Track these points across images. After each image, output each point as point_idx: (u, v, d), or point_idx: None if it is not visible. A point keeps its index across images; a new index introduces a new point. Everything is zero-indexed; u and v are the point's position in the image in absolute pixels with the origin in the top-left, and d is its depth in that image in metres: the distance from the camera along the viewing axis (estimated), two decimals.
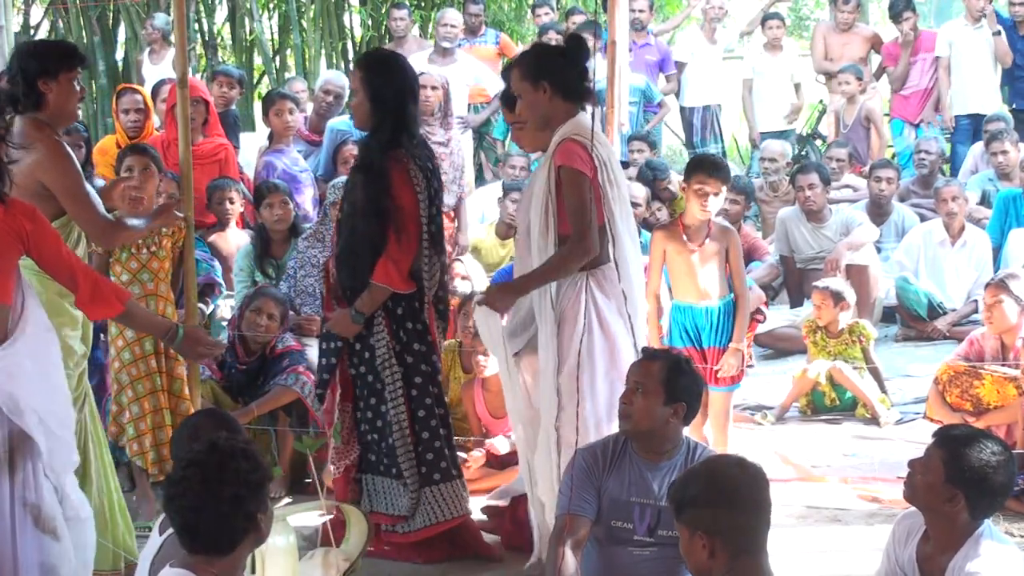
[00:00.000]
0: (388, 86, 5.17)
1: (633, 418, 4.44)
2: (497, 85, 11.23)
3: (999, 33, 10.98)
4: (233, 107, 9.46)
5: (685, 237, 5.96)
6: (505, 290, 5.01)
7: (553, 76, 4.91)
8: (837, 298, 7.56)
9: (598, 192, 4.87)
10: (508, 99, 5.23)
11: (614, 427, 4.79)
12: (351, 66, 4.50)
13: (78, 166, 5.00)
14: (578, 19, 11.47)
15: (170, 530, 3.66)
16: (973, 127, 11.16)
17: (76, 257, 4.44)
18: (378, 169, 5.09)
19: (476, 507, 5.67)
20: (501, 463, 6.29)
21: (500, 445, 6.31)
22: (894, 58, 11.51)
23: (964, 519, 3.74)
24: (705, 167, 5.94)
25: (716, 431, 6.10)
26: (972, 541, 3.73)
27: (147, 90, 8.54)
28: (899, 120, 11.64)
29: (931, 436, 3.89)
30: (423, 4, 13.53)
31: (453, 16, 11.30)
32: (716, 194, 5.86)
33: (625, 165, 9.82)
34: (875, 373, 7.49)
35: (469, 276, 7.38)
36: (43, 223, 4.25)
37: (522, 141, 5.34)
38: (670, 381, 4.43)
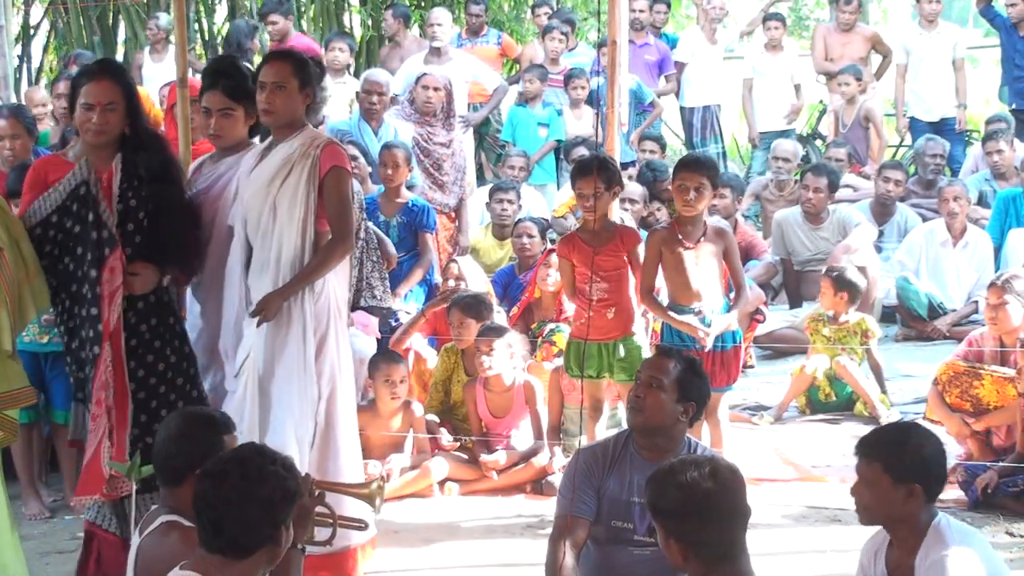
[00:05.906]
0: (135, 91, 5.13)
1: (645, 412, 4.44)
2: (495, 82, 11.21)
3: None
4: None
5: (680, 236, 5.93)
6: (272, 297, 4.91)
7: (315, 87, 5.09)
8: (838, 285, 7.48)
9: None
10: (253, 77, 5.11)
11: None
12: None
13: None
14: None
15: (148, 529, 3.63)
16: (933, 132, 11.18)
17: None
18: (173, 173, 5.02)
19: (504, 510, 5.82)
20: (522, 458, 6.38)
21: (497, 457, 6.37)
22: None
23: (922, 513, 3.75)
24: (687, 163, 5.96)
25: (712, 431, 6.09)
26: (933, 532, 3.74)
27: (149, 88, 8.52)
28: None
29: (854, 454, 3.84)
30: (423, 4, 13.51)
31: (440, 15, 10.87)
32: (697, 188, 5.74)
33: (630, 165, 9.82)
34: (876, 372, 7.48)
35: (463, 276, 7.37)
36: None
37: (233, 131, 5.22)
38: (684, 380, 4.45)
